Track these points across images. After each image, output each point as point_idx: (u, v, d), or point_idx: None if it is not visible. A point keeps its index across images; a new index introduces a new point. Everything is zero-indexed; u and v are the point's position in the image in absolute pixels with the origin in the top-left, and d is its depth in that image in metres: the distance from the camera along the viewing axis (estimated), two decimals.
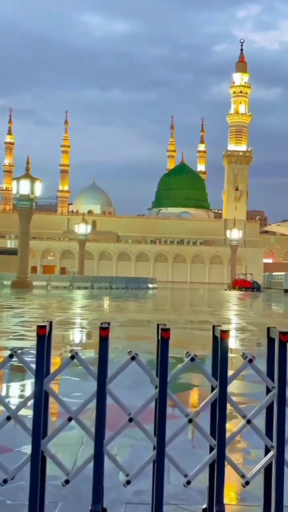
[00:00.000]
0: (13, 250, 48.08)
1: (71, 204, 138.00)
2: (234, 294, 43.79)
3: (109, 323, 2.74)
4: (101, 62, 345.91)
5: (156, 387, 2.63)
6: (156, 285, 54.77)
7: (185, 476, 2.61)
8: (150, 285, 53.13)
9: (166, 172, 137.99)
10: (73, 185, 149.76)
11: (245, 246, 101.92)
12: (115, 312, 20.58)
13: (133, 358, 2.61)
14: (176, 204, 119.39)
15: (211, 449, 2.71)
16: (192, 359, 2.63)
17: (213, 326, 2.78)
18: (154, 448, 2.63)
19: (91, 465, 2.57)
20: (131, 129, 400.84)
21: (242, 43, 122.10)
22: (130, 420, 2.61)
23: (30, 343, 9.40)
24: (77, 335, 11.90)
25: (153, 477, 2.63)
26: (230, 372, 2.61)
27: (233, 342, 11.03)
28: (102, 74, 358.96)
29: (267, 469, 2.71)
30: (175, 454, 3.44)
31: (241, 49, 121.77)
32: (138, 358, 2.62)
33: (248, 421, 2.65)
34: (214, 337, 2.75)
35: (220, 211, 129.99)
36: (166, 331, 2.57)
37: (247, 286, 56.26)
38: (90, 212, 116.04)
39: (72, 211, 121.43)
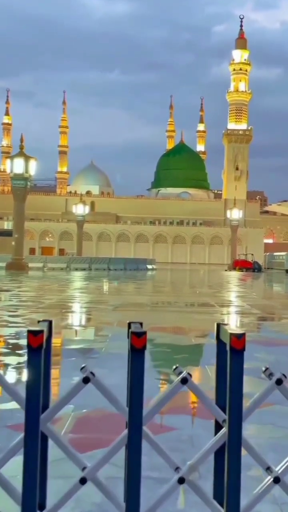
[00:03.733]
0: (10, 232, 47.01)
1: (70, 185, 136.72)
2: (234, 275, 42.85)
3: (51, 322, 1.74)
4: (101, 44, 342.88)
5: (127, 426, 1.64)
6: (155, 266, 53.82)
7: None
8: (149, 266, 52.15)
9: (165, 152, 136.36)
10: (73, 167, 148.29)
11: (246, 226, 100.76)
12: (110, 294, 19.63)
13: (86, 380, 1.62)
14: (176, 184, 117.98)
15: None
16: (184, 381, 1.63)
17: (218, 325, 1.77)
18: None
19: None
20: (131, 111, 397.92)
21: (241, 19, 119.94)
22: (83, 481, 1.61)
23: (10, 330, 8.42)
24: (64, 322, 10.91)
25: None
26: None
27: (235, 328, 10.05)
28: (102, 56, 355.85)
29: None
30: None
31: (241, 25, 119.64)
32: (96, 378, 1.62)
33: (276, 480, 1.64)
34: (219, 342, 1.75)
35: (220, 192, 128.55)
36: (139, 336, 1.56)
37: (248, 267, 55.22)
38: (88, 193, 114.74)
39: (70, 192, 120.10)
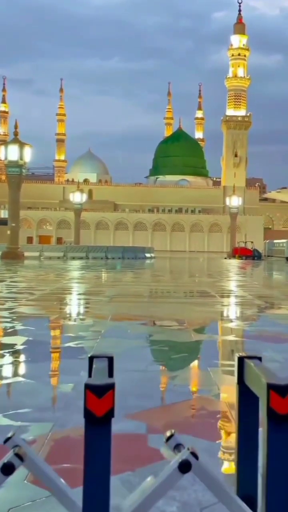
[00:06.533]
0: (6, 220, 46.29)
1: (67, 173, 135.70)
2: (234, 263, 42.17)
3: None
4: (100, 31, 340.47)
5: None
6: (154, 255, 53.13)
7: None
8: (148, 255, 51.47)
9: (163, 139, 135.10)
10: (72, 155, 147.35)
11: (245, 213, 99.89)
12: (107, 284, 18.93)
13: (7, 470, 0.91)
14: (174, 171, 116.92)
15: None
16: (185, 468, 0.92)
17: (241, 360, 1.06)
18: None
19: None
20: (130, 98, 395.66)
21: (240, 3, 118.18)
22: None
23: None
24: (53, 315, 10.21)
25: None
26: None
27: (238, 321, 9.36)
28: (101, 43, 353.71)
29: None
30: None
31: (239, 10, 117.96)
32: (29, 461, 0.91)
33: None
34: (242, 387, 1.04)
35: (219, 179, 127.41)
36: (100, 394, 0.86)
37: (248, 255, 54.54)
38: (86, 181, 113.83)
39: (68, 180, 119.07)
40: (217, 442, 3.41)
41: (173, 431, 1.00)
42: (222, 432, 3.65)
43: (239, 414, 1.03)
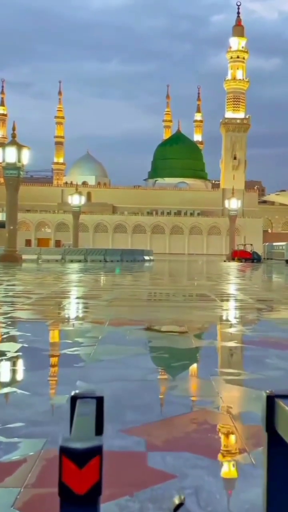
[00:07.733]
0: (3, 223, 46.04)
1: (66, 176, 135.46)
2: (233, 266, 41.91)
3: None
4: (99, 34, 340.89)
5: None
6: (152, 257, 52.87)
7: None
8: (147, 257, 51.22)
9: (162, 142, 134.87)
10: (71, 158, 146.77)
11: (244, 216, 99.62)
12: (105, 288, 18.67)
13: None
14: (173, 174, 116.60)
15: None
16: None
17: (270, 399, 0.81)
18: None
19: None
20: (129, 101, 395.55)
21: (238, 6, 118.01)
22: None
23: None
24: (49, 320, 9.96)
25: None
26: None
27: (240, 326, 9.11)
28: (101, 46, 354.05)
29: None
30: None
31: (238, 13, 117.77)
32: None
33: None
34: (272, 436, 0.79)
35: (218, 182, 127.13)
36: (82, 463, 0.63)
37: (247, 257, 54.31)
38: (84, 183, 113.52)
39: (66, 183, 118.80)
40: (220, 460, 3.16)
41: (182, 497, 0.76)
42: (226, 450, 3.40)
43: (269, 472, 0.79)
